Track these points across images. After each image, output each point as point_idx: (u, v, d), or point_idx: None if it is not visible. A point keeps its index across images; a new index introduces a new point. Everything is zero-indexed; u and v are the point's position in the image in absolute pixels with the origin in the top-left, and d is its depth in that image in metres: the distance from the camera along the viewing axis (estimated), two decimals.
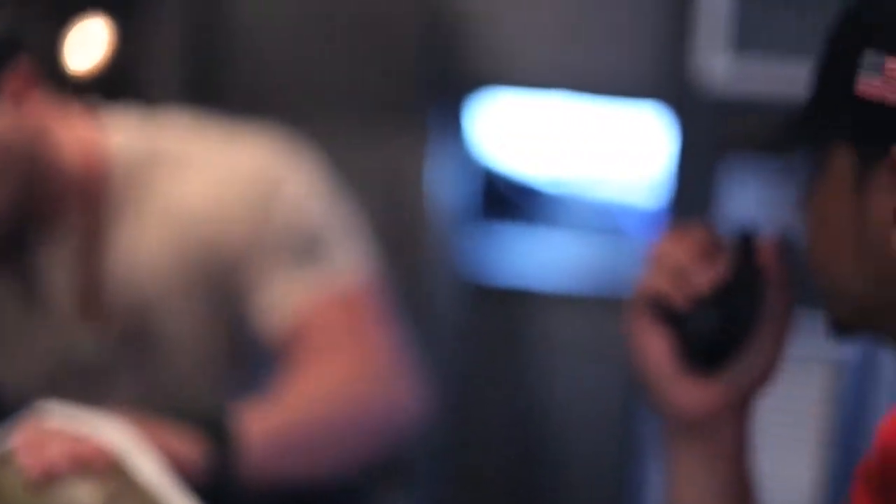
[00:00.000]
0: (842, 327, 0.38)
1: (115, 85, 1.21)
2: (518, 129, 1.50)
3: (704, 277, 0.42)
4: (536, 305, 1.51)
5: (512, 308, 1.51)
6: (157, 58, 1.35)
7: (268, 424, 0.63)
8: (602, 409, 1.44)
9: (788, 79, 0.92)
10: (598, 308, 1.40)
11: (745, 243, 0.44)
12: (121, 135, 0.76)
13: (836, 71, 0.34)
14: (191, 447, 0.58)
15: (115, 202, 0.72)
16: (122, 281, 0.72)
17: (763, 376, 0.44)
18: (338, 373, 0.70)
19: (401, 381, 0.73)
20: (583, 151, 1.44)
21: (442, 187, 1.37)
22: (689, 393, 0.43)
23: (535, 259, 1.51)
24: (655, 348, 0.44)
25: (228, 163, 0.75)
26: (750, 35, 1.15)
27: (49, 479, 0.53)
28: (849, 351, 1.12)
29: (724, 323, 0.43)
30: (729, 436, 0.44)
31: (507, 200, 1.53)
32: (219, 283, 0.72)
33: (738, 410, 0.44)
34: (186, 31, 1.40)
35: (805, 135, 0.38)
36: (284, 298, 0.70)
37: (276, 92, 1.38)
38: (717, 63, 1.16)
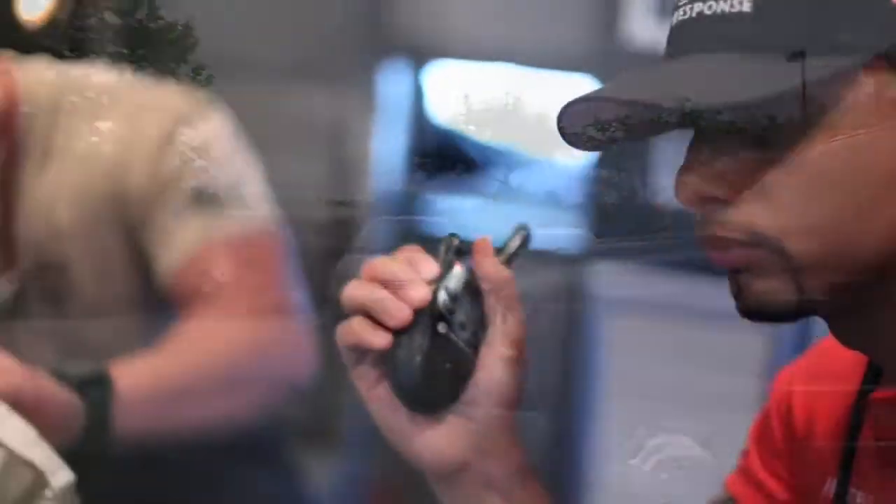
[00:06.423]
0: (788, 308, 0.31)
1: (58, 37, 1.23)
2: (461, 96, 1.54)
3: (401, 306, 0.34)
4: None
5: None
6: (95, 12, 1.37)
7: (148, 375, 0.62)
8: None
9: None
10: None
11: (453, 252, 0.37)
12: (37, 79, 0.75)
13: None
14: (65, 404, 0.55)
15: (28, 144, 0.72)
16: (33, 218, 0.72)
17: (506, 400, 0.36)
18: (225, 320, 0.67)
19: (291, 332, 0.70)
20: (523, 119, 1.46)
21: (387, 145, 1.41)
22: (429, 444, 0.36)
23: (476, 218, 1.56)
24: (380, 400, 0.37)
25: (137, 102, 0.75)
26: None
27: None
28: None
29: (436, 352, 0.35)
30: (494, 468, 0.36)
31: (451, 161, 1.55)
32: (125, 220, 0.71)
33: (496, 440, 0.36)
34: None
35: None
36: (178, 240, 0.69)
37: (220, 47, 1.41)
38: (645, 29, 1.19)
